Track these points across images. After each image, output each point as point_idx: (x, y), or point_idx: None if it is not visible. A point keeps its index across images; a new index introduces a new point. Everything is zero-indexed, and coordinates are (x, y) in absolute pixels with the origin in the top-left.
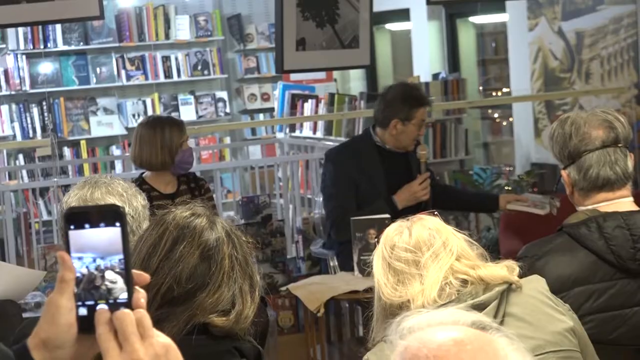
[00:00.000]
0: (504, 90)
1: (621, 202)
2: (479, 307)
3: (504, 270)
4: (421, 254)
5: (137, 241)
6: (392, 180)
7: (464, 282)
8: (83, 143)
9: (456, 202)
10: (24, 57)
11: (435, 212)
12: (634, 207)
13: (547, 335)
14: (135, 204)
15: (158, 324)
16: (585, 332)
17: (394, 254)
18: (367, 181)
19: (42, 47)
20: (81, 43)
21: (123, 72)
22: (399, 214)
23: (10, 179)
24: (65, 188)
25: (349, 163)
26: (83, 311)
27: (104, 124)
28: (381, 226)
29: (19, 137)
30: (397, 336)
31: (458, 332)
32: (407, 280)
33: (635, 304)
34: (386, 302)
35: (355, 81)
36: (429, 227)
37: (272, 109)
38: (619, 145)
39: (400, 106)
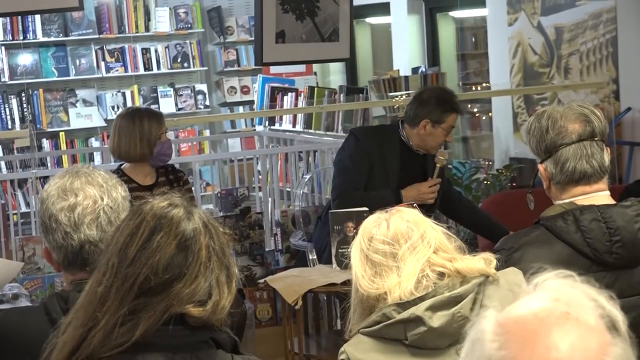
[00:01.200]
0: (484, 84)
1: (598, 196)
2: (456, 300)
3: (481, 262)
4: (399, 246)
5: (114, 231)
6: (405, 176)
7: (441, 275)
8: (62, 135)
9: (468, 219)
10: (2, 48)
11: (415, 205)
12: (611, 201)
13: None
14: (114, 195)
15: (135, 314)
16: None
17: (372, 246)
18: (382, 168)
19: (21, 38)
20: (61, 34)
21: (102, 64)
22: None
23: None
24: (44, 180)
25: (370, 144)
26: None
27: (83, 116)
28: (360, 219)
29: None
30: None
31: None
32: (385, 272)
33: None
34: (363, 294)
35: (335, 74)
36: (407, 219)
37: (251, 102)
38: (596, 139)
39: (434, 108)
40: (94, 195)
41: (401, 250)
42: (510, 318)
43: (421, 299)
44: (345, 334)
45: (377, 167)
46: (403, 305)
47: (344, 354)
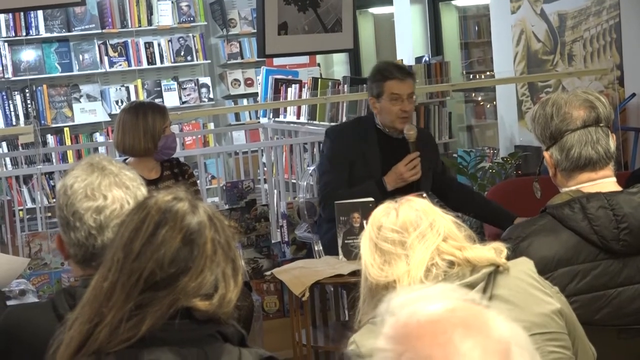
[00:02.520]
0: (487, 73)
1: (604, 183)
2: (466, 289)
3: (491, 252)
4: (407, 234)
5: (119, 225)
6: (389, 163)
7: (451, 264)
8: (66, 130)
9: (467, 204)
10: (5, 44)
11: (424, 194)
12: (617, 188)
13: (533, 317)
14: (139, 197)
15: (141, 308)
16: (574, 314)
17: (381, 234)
18: (363, 162)
19: (24, 34)
20: (63, 30)
21: (106, 59)
22: (389, 195)
23: None
24: (49, 175)
25: (346, 142)
26: None
27: (87, 111)
28: (365, 210)
29: (1, 125)
30: (388, 314)
31: (449, 302)
32: (394, 260)
33: (619, 284)
34: (372, 283)
35: (339, 65)
36: (416, 208)
37: (255, 94)
38: (601, 125)
39: (370, 84)
40: (121, 199)
41: (410, 239)
42: (399, 327)
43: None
44: (355, 323)
45: (358, 163)
46: None
47: (354, 344)
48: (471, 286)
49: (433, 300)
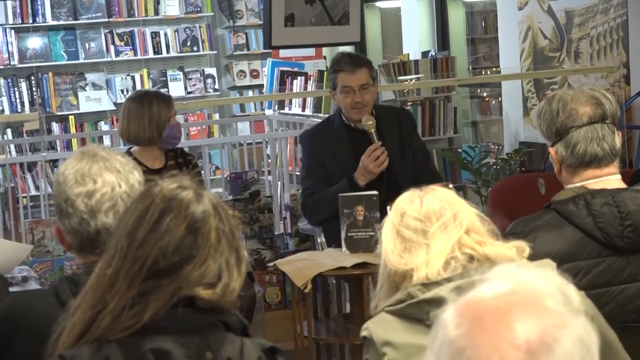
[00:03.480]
0: (493, 69)
1: (609, 180)
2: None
3: (513, 251)
4: (430, 224)
5: (123, 213)
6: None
7: (471, 259)
8: (71, 118)
9: None
10: (12, 31)
11: (450, 185)
12: (622, 185)
13: None
14: (131, 181)
15: (144, 296)
16: (602, 319)
17: (403, 221)
18: (335, 162)
19: (30, 21)
20: (70, 18)
21: (112, 48)
22: (363, 190)
23: None
24: (54, 163)
25: (317, 145)
26: None
27: (92, 99)
28: (369, 203)
29: (7, 112)
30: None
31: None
32: (414, 248)
33: (622, 281)
34: (391, 270)
35: None
36: (440, 198)
37: (261, 86)
38: (607, 121)
39: (329, 75)
40: (112, 182)
41: (432, 228)
42: (468, 303)
43: (447, 280)
44: (371, 309)
45: (331, 163)
46: (428, 286)
47: (367, 331)
48: None
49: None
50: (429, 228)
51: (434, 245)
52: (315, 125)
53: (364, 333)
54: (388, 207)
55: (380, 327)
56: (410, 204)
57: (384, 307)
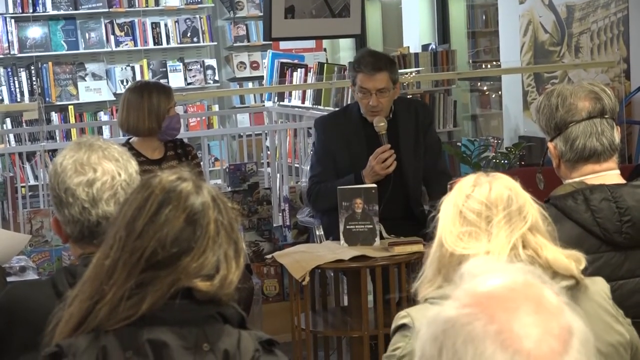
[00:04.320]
0: (494, 62)
1: (608, 175)
2: None
3: (571, 261)
4: (496, 211)
5: (122, 204)
6: (374, 151)
7: (532, 260)
8: (71, 108)
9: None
10: (12, 21)
11: (517, 178)
12: (621, 180)
13: (600, 345)
14: (130, 170)
15: (142, 287)
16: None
17: (468, 203)
18: (347, 152)
19: (31, 11)
20: (70, 8)
21: (112, 38)
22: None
23: None
24: (53, 153)
25: (331, 133)
26: None
27: (92, 90)
28: (368, 195)
29: (6, 101)
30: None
31: (529, 278)
32: (475, 233)
33: (620, 277)
34: (447, 251)
35: (345, 51)
36: (509, 187)
37: (261, 78)
38: (605, 116)
39: (349, 71)
40: (111, 171)
41: (497, 217)
42: (481, 294)
43: None
44: (413, 286)
45: (342, 154)
46: None
47: (408, 318)
48: None
49: (513, 273)
50: (494, 216)
51: (496, 235)
52: (332, 112)
53: (404, 320)
54: (449, 186)
55: (423, 315)
56: (478, 186)
57: (427, 296)
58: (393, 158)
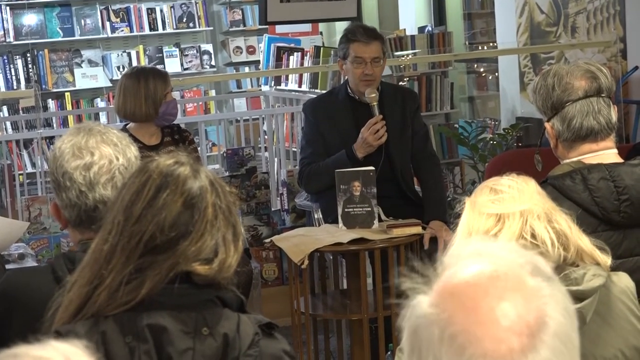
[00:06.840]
0: (490, 44)
1: (605, 154)
2: (578, 297)
3: (602, 254)
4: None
5: (120, 188)
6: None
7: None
8: (67, 95)
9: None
10: (7, 8)
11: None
12: (618, 159)
13: (624, 348)
14: (129, 154)
15: (140, 272)
16: None
17: (500, 181)
18: (336, 132)
19: None
20: None
21: (108, 24)
22: (361, 163)
23: None
24: (50, 140)
25: (319, 115)
26: None
27: (88, 76)
28: (366, 178)
29: (2, 89)
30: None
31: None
32: (503, 199)
33: (618, 256)
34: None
35: (341, 34)
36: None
37: (257, 62)
38: (602, 95)
39: (339, 45)
40: (109, 155)
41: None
42: (446, 289)
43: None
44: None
45: (331, 135)
46: None
47: None
48: (584, 295)
49: (485, 263)
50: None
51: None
52: (320, 95)
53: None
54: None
55: None
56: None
57: None
58: (384, 129)
